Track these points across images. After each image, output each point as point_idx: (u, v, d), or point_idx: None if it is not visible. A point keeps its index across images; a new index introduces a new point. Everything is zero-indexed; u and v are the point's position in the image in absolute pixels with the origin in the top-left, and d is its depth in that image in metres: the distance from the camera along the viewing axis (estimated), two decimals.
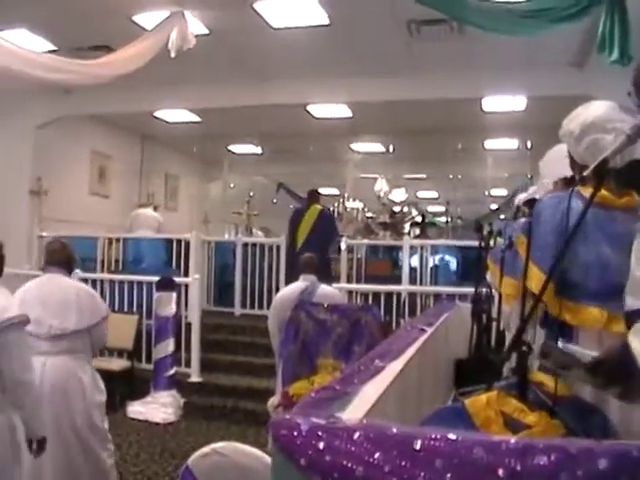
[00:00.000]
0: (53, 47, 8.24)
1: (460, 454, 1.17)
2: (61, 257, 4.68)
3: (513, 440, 1.17)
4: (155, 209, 11.92)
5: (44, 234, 10.55)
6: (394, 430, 1.26)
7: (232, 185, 16.91)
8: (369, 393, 1.85)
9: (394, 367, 2.29)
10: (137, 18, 7.56)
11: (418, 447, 1.20)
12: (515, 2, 5.78)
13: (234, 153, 15.77)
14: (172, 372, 7.73)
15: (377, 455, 1.21)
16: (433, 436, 1.21)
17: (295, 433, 1.31)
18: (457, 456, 1.17)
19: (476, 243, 4.40)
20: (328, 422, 1.34)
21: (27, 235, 10.48)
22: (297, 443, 1.30)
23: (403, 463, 1.19)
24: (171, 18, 7.11)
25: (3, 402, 3.38)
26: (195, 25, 7.49)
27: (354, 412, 1.60)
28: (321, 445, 1.28)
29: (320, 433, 1.30)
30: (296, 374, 4.70)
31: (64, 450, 4.24)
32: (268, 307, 9.78)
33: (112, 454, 4.69)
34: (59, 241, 4.89)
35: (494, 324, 3.84)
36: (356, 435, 1.26)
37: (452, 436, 1.20)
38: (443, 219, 17.59)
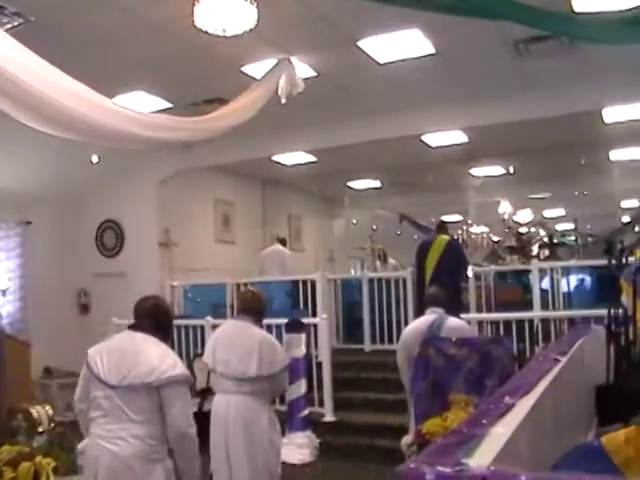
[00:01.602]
0: (169, 104, 8.61)
1: None
2: (251, 306, 5.17)
3: None
4: (284, 243, 12.02)
5: (175, 284, 10.96)
6: (523, 478, 1.20)
7: (355, 221, 16.99)
8: (499, 434, 1.77)
9: (526, 403, 2.19)
10: (246, 69, 7.78)
11: None
12: (624, 10, 5.53)
13: (354, 189, 15.85)
14: (306, 412, 7.76)
15: None
16: None
17: None
18: None
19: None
20: (454, 470, 1.29)
21: (159, 285, 10.88)
22: None
23: None
24: (279, 65, 7.27)
25: (164, 451, 3.68)
26: (303, 69, 7.64)
27: (483, 456, 1.53)
28: None
29: None
30: (428, 411, 4.60)
31: None
32: (398, 341, 9.75)
33: None
34: (251, 291, 5.47)
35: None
36: None
37: None
38: (572, 237, 16.98)
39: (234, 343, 4.98)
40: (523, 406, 2.15)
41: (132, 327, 3.92)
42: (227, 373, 4.89)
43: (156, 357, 3.69)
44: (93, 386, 3.71)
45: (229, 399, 4.83)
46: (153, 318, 3.90)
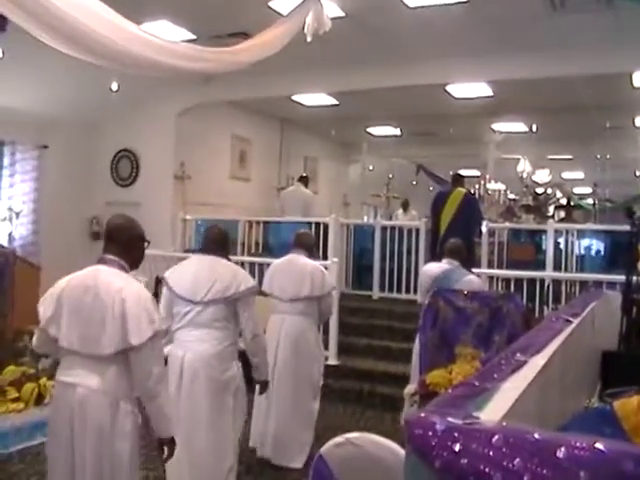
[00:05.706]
0: (192, 36, 8.46)
1: (607, 466, 1.08)
2: (304, 241, 5.98)
3: None
4: (305, 182, 11.75)
5: (188, 217, 10.96)
6: (536, 435, 1.18)
7: (371, 167, 16.86)
8: (509, 390, 1.76)
9: (536, 362, 2.18)
10: (273, 4, 7.61)
11: (561, 456, 1.11)
12: None
13: (372, 135, 15.72)
14: None
15: (516, 461, 1.14)
16: (578, 444, 1.12)
17: (430, 433, 1.26)
18: (604, 468, 1.08)
19: (626, 228, 4.16)
20: (465, 423, 1.27)
21: (171, 218, 10.90)
22: (432, 444, 1.25)
23: (544, 472, 1.11)
24: (306, 2, 7.09)
25: (237, 352, 4.49)
26: (330, 8, 7.45)
27: (493, 411, 1.52)
28: (457, 447, 1.22)
29: (456, 434, 1.23)
30: (434, 362, 4.61)
31: (285, 389, 5.57)
32: (406, 291, 9.78)
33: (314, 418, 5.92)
34: (305, 231, 6.40)
35: None
36: (495, 438, 1.19)
37: (599, 445, 1.11)
38: (590, 201, 16.83)
39: (289, 270, 5.79)
40: (534, 364, 2.14)
41: (201, 251, 4.71)
42: (282, 296, 5.72)
43: (229, 274, 4.43)
44: (176, 303, 4.45)
45: (284, 317, 5.68)
46: (218, 243, 4.63)
